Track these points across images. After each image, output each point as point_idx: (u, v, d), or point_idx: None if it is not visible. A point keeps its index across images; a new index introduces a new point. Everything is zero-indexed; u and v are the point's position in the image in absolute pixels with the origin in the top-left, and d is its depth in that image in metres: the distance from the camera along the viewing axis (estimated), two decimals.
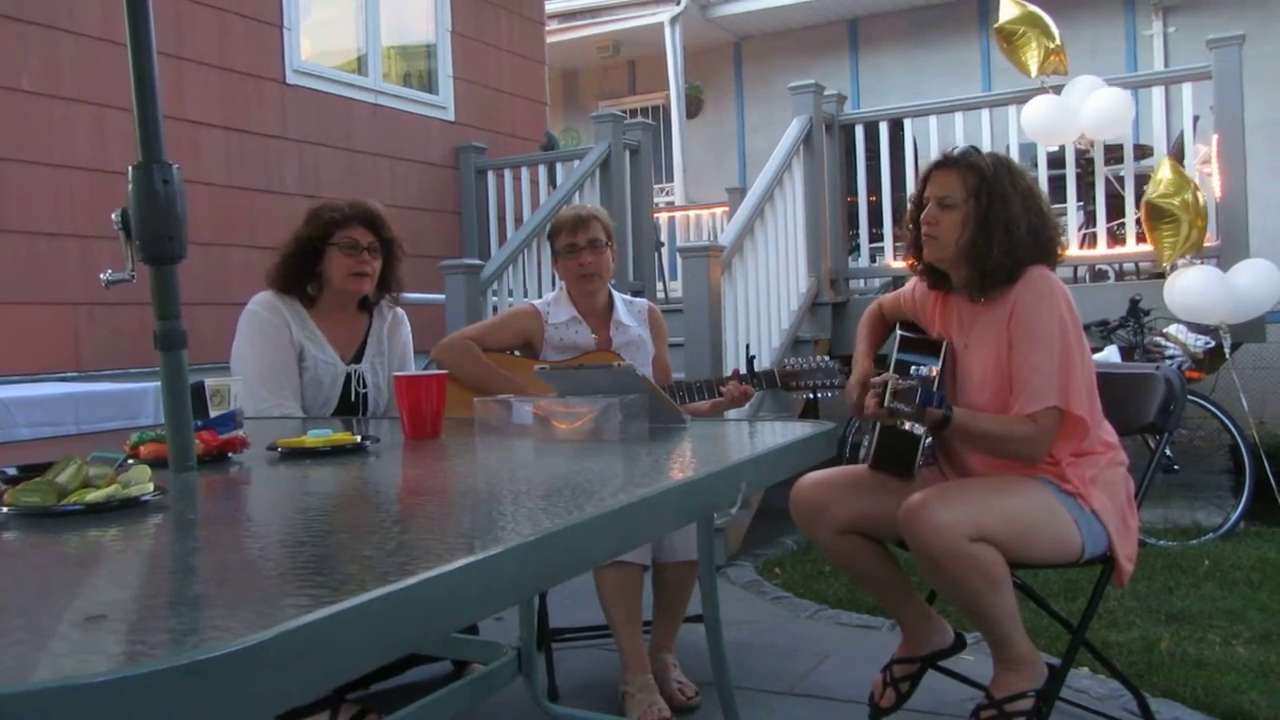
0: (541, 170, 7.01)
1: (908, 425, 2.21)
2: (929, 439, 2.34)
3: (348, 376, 2.84)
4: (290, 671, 0.75)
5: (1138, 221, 5.50)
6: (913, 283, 2.62)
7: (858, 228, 6.20)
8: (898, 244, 5.88)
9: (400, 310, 3.05)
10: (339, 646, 0.80)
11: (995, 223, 2.30)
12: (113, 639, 0.78)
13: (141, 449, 1.68)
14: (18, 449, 3.09)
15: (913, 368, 2.26)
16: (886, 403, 2.17)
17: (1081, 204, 5.70)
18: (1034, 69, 5.52)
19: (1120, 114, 5.22)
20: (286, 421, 2.60)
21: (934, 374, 2.21)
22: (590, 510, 1.17)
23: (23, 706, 0.64)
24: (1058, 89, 5.44)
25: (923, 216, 2.40)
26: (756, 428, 2.17)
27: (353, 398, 2.85)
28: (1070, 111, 5.29)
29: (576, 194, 6.03)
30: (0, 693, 0.64)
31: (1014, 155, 5.34)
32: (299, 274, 2.83)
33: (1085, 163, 5.69)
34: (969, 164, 2.36)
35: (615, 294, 3.16)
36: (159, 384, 1.57)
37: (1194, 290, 4.69)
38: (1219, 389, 5.04)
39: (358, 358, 2.89)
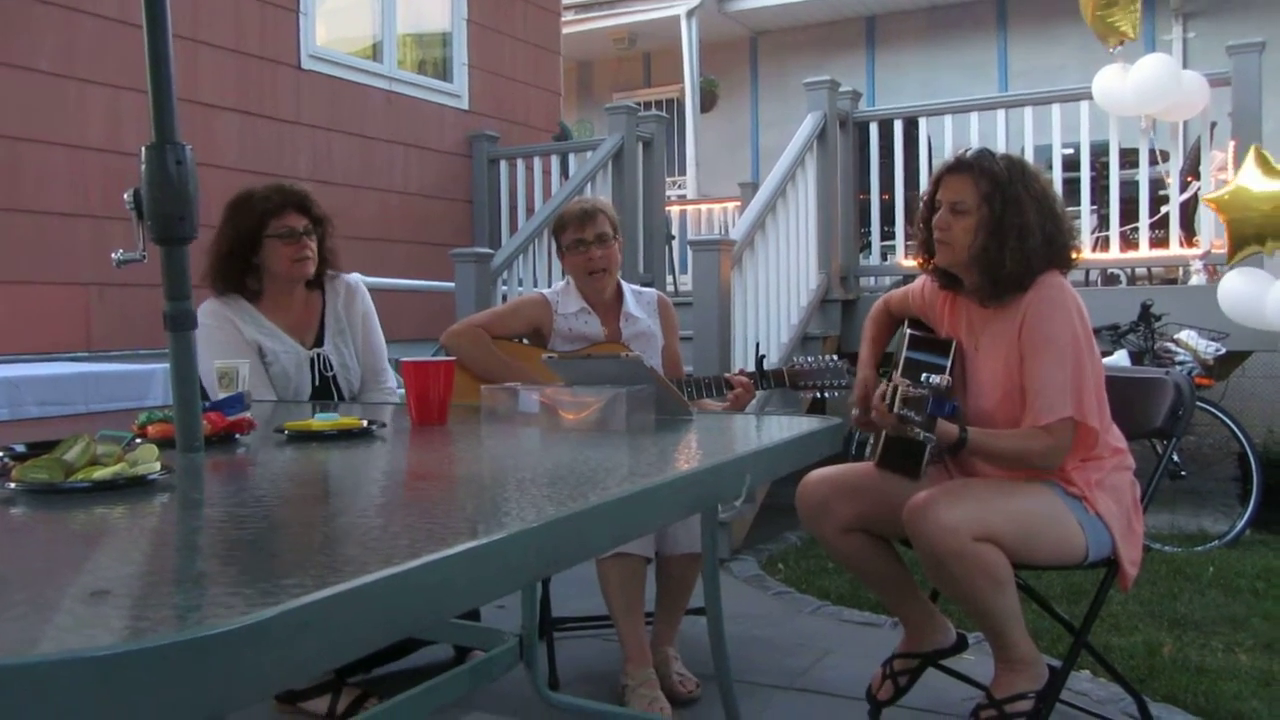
0: (554, 160, 7.01)
1: (916, 432, 2.17)
2: (934, 444, 2.33)
3: (312, 361, 2.81)
4: (292, 650, 0.76)
5: (1151, 226, 5.48)
6: (922, 280, 2.60)
7: (869, 225, 6.19)
8: (909, 242, 5.87)
9: (352, 278, 2.97)
10: (340, 626, 0.80)
11: (1009, 229, 2.27)
12: (116, 614, 0.79)
13: (149, 429, 1.69)
14: (27, 427, 3.11)
15: (924, 375, 2.23)
16: (896, 408, 2.14)
17: (1095, 207, 5.68)
18: (1132, 30, 5.38)
19: (1179, 92, 5.12)
20: (294, 405, 2.60)
21: (945, 382, 2.18)
22: (594, 499, 1.17)
23: (26, 678, 0.64)
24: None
25: (935, 221, 2.37)
26: (763, 421, 2.17)
27: (318, 382, 2.82)
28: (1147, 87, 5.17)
29: (589, 185, 6.03)
30: (4, 664, 0.65)
31: (1029, 157, 5.31)
32: (237, 270, 2.78)
33: (1100, 166, 5.67)
34: (983, 168, 2.32)
35: (625, 285, 3.15)
36: (168, 365, 1.58)
37: (1248, 294, 4.61)
38: (1229, 396, 5.02)
39: (319, 341, 2.85)
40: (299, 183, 2.90)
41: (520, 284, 5.51)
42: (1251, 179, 4.54)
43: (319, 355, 2.83)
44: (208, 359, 2.67)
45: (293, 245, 2.77)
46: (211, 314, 2.75)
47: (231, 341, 2.71)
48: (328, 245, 2.88)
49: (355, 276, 3.00)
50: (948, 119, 5.83)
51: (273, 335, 2.78)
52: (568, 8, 9.93)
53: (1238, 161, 5.05)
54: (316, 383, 2.82)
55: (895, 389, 2.15)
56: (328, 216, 2.89)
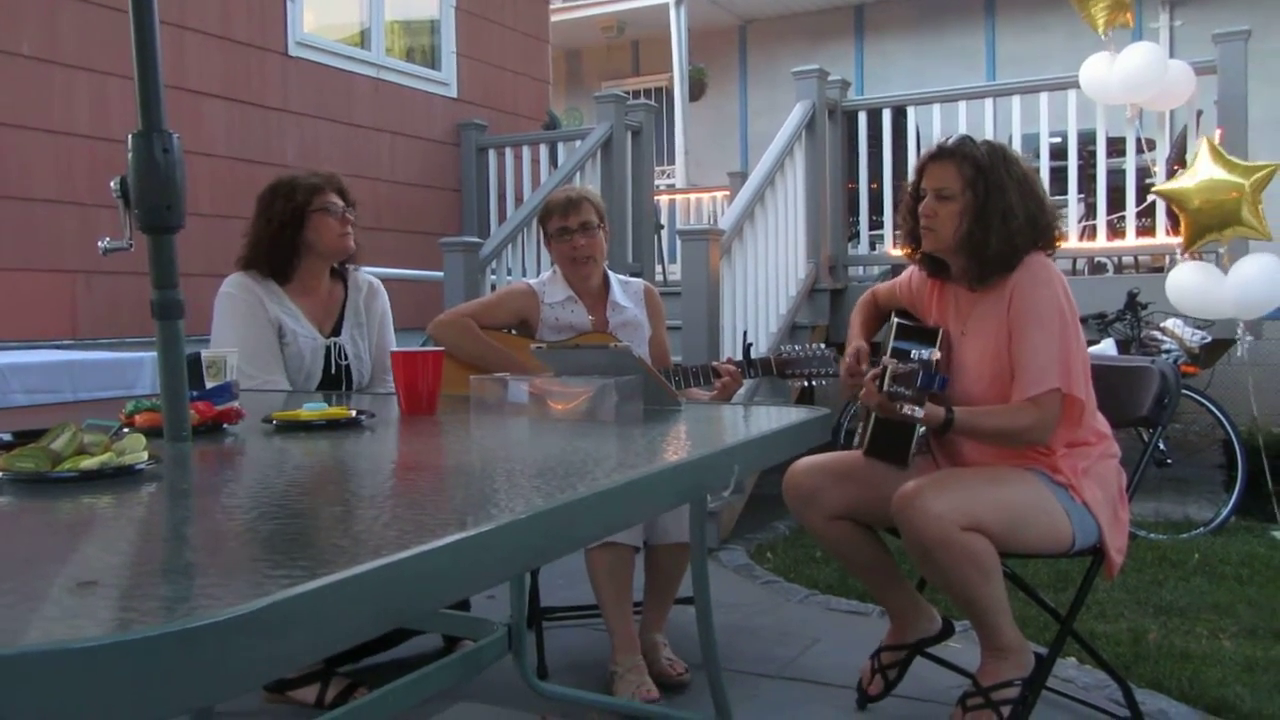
0: (543, 149, 7.00)
1: (907, 409, 2.18)
2: (924, 428, 2.34)
3: (328, 349, 2.85)
4: (280, 641, 0.76)
5: (1138, 215, 5.49)
6: (909, 271, 2.62)
7: (858, 214, 6.19)
8: (897, 232, 5.85)
9: (375, 280, 3.05)
10: (329, 618, 0.80)
11: (993, 213, 2.30)
12: (104, 605, 0.78)
13: (136, 418, 1.68)
14: (13, 415, 3.09)
15: (913, 352, 2.25)
16: (886, 386, 2.16)
17: (1082, 196, 5.69)
18: (1101, 27, 5.37)
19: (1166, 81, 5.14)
20: (282, 395, 2.60)
21: (935, 357, 2.19)
22: (583, 489, 1.17)
23: (12, 669, 0.64)
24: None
25: (920, 208, 2.39)
26: (751, 411, 2.17)
27: (334, 370, 2.85)
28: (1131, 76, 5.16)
29: (578, 174, 6.02)
30: None
31: (1016, 145, 5.31)
32: (286, 247, 2.82)
33: (1087, 154, 5.67)
34: (965, 155, 2.35)
35: (611, 275, 3.15)
36: (156, 353, 1.57)
37: (1194, 286, 4.68)
38: (1214, 384, 5.04)
39: (336, 330, 2.89)
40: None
41: (509, 273, 5.50)
42: (1208, 170, 4.61)
43: (335, 344, 2.86)
44: (230, 329, 2.71)
45: (338, 221, 2.84)
46: (239, 285, 2.79)
47: (255, 315, 2.75)
48: (356, 231, 2.94)
49: (378, 282, 3.05)
50: (936, 108, 5.83)
51: (294, 317, 2.81)
52: None
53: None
54: (331, 371, 2.84)
55: (885, 369, 2.17)
56: (355, 202, 2.95)
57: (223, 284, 2.80)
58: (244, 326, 2.71)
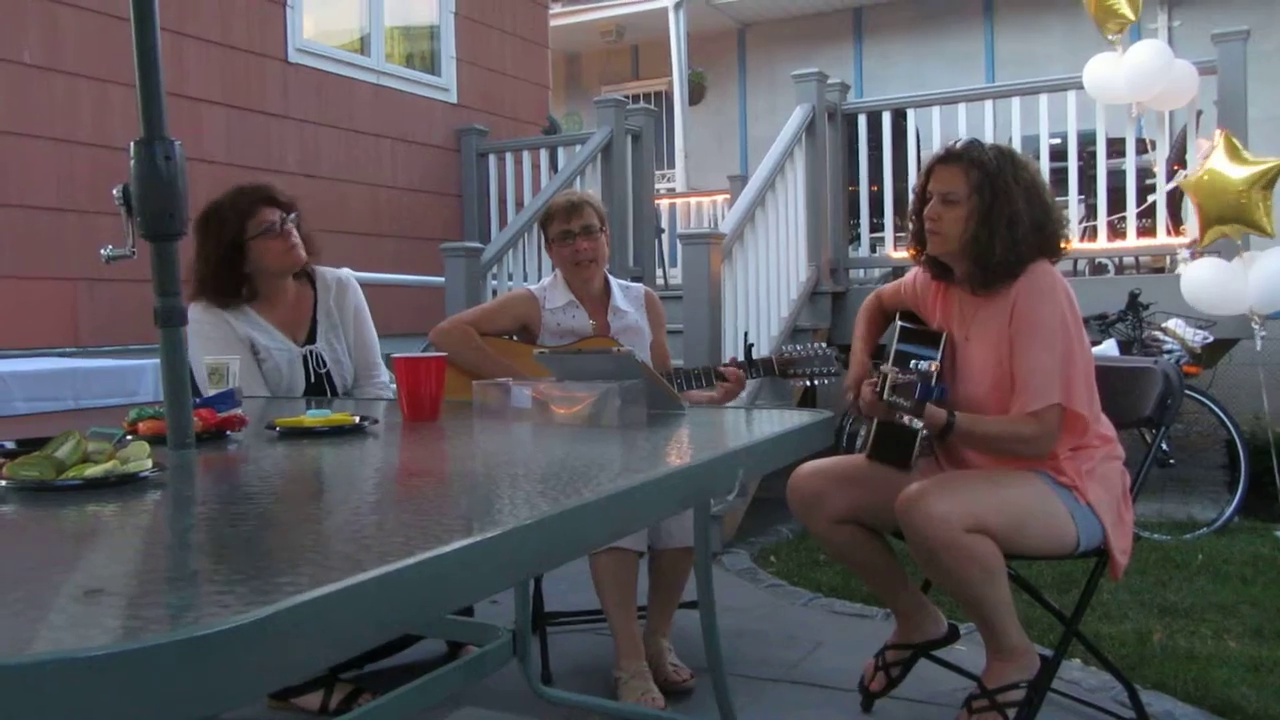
0: (543, 154, 7.00)
1: (905, 419, 2.20)
2: (925, 431, 2.34)
3: (305, 358, 2.80)
4: (286, 649, 0.76)
5: (1139, 215, 5.49)
6: (913, 273, 2.61)
7: (858, 217, 6.20)
8: (898, 234, 5.87)
9: (344, 274, 2.96)
10: (335, 625, 0.80)
11: (998, 218, 2.29)
12: (110, 613, 0.78)
13: (140, 425, 1.69)
14: (16, 423, 3.09)
15: (913, 361, 2.25)
16: (885, 396, 2.16)
17: (1083, 197, 5.69)
18: (1133, 11, 5.35)
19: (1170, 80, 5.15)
20: (286, 401, 2.60)
21: (934, 368, 2.20)
22: (587, 495, 1.17)
23: (20, 678, 0.64)
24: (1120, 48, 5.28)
25: (926, 212, 2.39)
26: (754, 415, 2.17)
27: (314, 379, 2.81)
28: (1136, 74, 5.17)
29: (578, 179, 6.02)
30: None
31: (1016, 147, 5.30)
32: (231, 279, 2.73)
33: (1087, 155, 5.67)
34: (972, 159, 2.34)
35: (612, 280, 3.15)
36: (158, 361, 1.57)
37: (1210, 282, 4.67)
38: (1216, 384, 5.04)
39: (311, 337, 2.83)
40: (259, 177, 2.87)
41: (510, 278, 5.50)
42: (1221, 165, 4.61)
43: (312, 352, 2.82)
44: (200, 354, 2.66)
45: (279, 239, 2.75)
46: (204, 309, 2.74)
47: (224, 337, 2.69)
48: (303, 230, 2.84)
49: (346, 271, 2.99)
50: (935, 110, 5.83)
51: (266, 332, 2.77)
52: (555, 0, 9.90)
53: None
54: (311, 380, 2.81)
55: (885, 377, 2.17)
56: (294, 200, 2.85)
57: (188, 309, 2.73)
58: (216, 352, 2.66)
